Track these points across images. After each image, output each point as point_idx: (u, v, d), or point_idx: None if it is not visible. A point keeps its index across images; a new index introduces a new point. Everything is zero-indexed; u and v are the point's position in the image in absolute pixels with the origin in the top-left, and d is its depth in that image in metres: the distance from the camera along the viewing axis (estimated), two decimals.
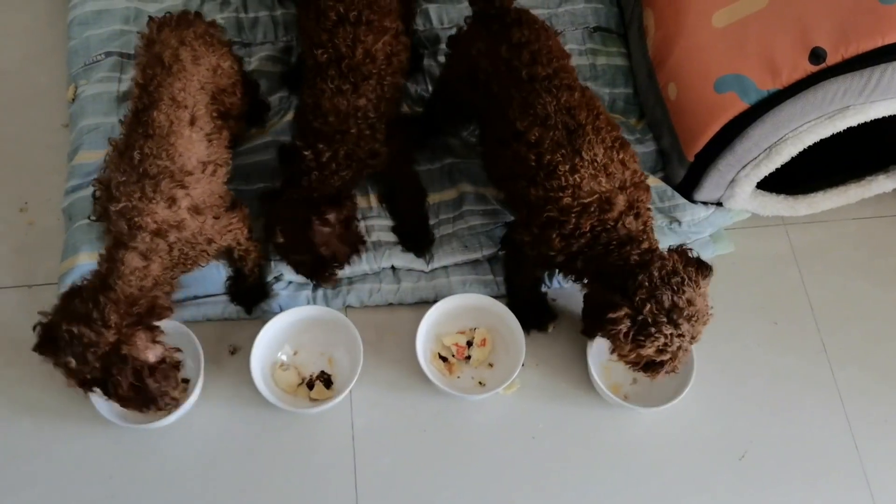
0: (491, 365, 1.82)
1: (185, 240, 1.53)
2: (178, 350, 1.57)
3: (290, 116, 2.03)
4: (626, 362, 1.56)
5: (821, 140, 1.75)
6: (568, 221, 1.52)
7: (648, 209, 1.58)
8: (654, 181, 1.99)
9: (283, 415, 1.72)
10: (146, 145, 1.51)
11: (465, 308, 1.83)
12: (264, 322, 1.75)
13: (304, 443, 1.72)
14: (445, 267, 1.90)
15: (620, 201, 1.53)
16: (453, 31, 2.18)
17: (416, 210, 1.93)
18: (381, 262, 1.88)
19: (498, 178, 1.73)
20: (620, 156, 1.55)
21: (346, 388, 1.70)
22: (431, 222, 1.95)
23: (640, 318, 1.46)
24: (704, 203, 1.97)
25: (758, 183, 1.88)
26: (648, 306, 1.45)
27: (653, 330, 1.46)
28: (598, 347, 1.75)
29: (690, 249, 1.56)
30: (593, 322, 1.55)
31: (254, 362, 1.71)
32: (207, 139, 1.59)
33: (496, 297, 1.84)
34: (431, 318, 1.80)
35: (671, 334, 1.46)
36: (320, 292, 1.86)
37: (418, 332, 1.77)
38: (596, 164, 1.53)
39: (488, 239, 1.92)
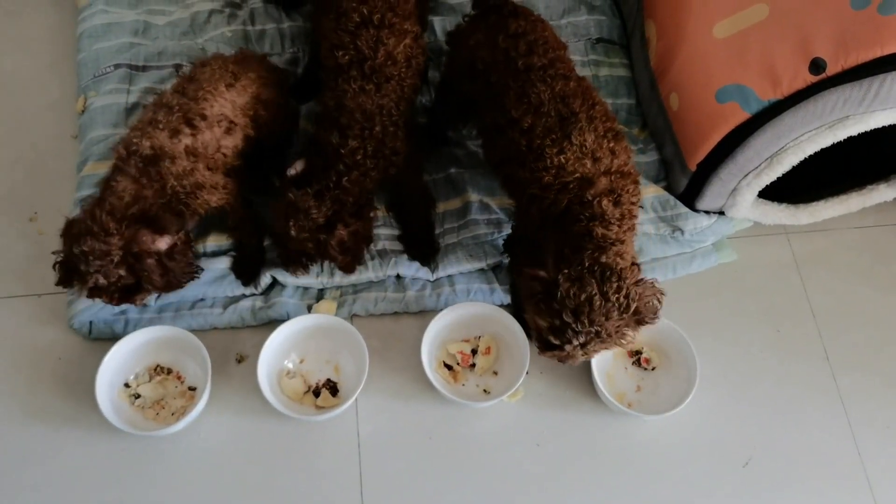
0: (495, 373, 1.83)
1: (175, 175, 1.61)
2: (187, 235, 1.70)
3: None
4: (527, 319, 1.53)
5: (821, 149, 1.77)
6: (547, 197, 1.53)
7: (633, 204, 1.54)
8: (656, 190, 2.01)
9: (290, 422, 1.74)
10: (182, 85, 1.72)
11: (469, 316, 1.85)
12: (271, 330, 1.76)
13: (310, 450, 1.74)
14: (450, 276, 1.92)
15: (602, 182, 1.52)
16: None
17: (423, 219, 1.95)
18: (386, 270, 1.90)
19: (494, 164, 1.75)
20: (611, 144, 1.56)
21: (352, 396, 1.72)
22: (437, 231, 1.97)
23: (552, 289, 1.40)
24: (706, 212, 1.99)
25: (759, 192, 1.90)
26: (567, 286, 1.39)
27: (555, 306, 1.40)
28: (603, 355, 1.76)
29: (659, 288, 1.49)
30: (514, 260, 1.54)
31: (260, 370, 1.72)
32: (237, 106, 1.72)
33: (500, 306, 1.86)
34: (436, 326, 1.81)
35: (568, 325, 1.40)
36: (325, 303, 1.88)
37: (423, 341, 1.78)
38: (584, 148, 1.54)
39: (493, 248, 1.94)
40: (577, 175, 1.53)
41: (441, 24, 2.27)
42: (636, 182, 1.58)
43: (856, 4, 1.67)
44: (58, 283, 1.61)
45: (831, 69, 1.66)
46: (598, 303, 1.38)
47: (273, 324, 1.81)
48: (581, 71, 2.20)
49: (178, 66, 2.12)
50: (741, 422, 1.82)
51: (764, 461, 1.78)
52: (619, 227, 1.49)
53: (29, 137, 2.10)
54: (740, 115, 1.76)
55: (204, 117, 1.66)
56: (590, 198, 1.50)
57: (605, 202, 1.49)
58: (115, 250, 1.53)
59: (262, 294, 1.88)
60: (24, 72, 2.22)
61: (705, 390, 1.78)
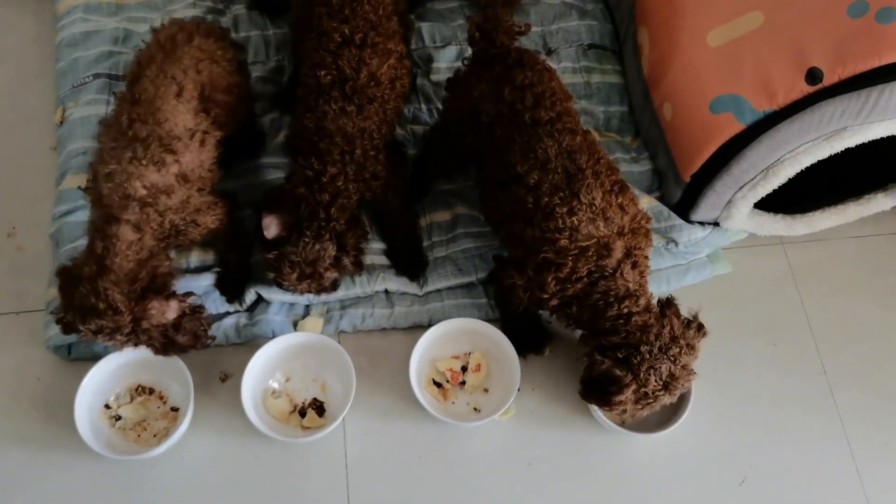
0: (486, 390, 1.79)
1: (174, 208, 1.55)
2: (192, 293, 1.61)
3: (281, 138, 2.00)
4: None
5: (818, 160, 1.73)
6: (565, 264, 1.50)
7: (646, 257, 1.57)
8: (649, 201, 1.97)
9: (276, 443, 1.70)
10: (133, 110, 1.55)
11: (459, 332, 1.81)
12: (256, 348, 1.72)
13: (297, 472, 1.70)
14: (439, 290, 1.88)
15: (618, 248, 1.51)
16: (445, 50, 2.19)
17: (409, 233, 1.90)
18: (374, 285, 1.85)
19: (495, 220, 1.71)
20: (619, 200, 1.54)
21: (339, 416, 1.68)
22: (425, 244, 1.93)
23: (642, 389, 1.50)
24: (701, 223, 1.94)
25: (755, 202, 1.85)
26: (651, 380, 1.49)
27: (651, 401, 1.52)
28: None
29: (678, 301, 1.59)
30: (597, 395, 1.56)
31: (245, 390, 1.68)
32: (195, 112, 1.61)
33: (491, 321, 1.81)
34: (425, 342, 1.77)
35: (665, 398, 1.54)
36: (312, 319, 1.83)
37: (412, 358, 1.74)
38: (594, 207, 1.51)
39: (482, 262, 1.89)
40: (594, 239, 1.51)
41: (430, 31, 2.22)
42: (647, 234, 1.58)
43: (853, 12, 1.63)
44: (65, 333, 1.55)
45: (828, 79, 1.62)
46: (675, 369, 1.51)
47: (258, 341, 1.77)
48: (572, 78, 2.18)
49: None
50: (737, 439, 1.78)
51: (760, 479, 1.74)
52: (644, 290, 1.54)
53: (6, 150, 2.05)
54: (735, 127, 1.72)
55: (178, 137, 1.56)
56: (611, 271, 1.50)
57: (626, 271, 1.51)
58: (125, 325, 1.47)
59: (246, 311, 1.83)
60: (2, 83, 2.16)
61: (700, 407, 1.75)
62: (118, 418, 1.70)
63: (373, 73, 1.67)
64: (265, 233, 1.62)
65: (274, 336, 1.76)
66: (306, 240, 1.58)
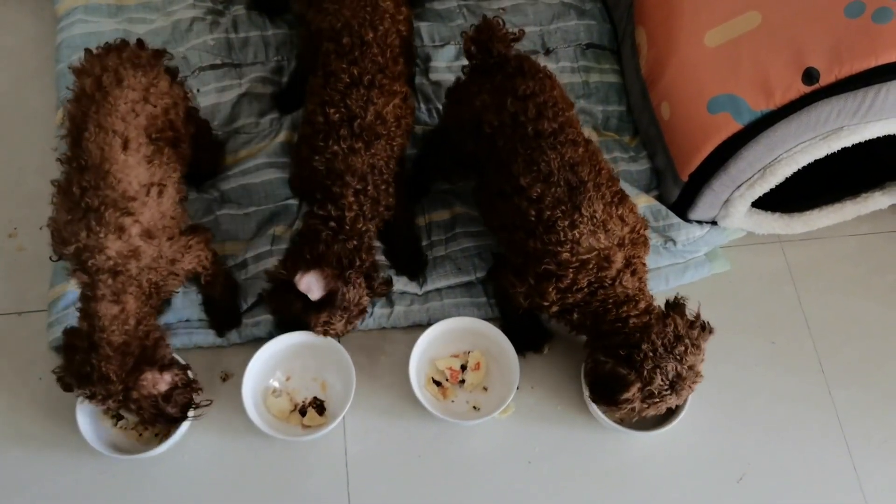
0: (485, 389, 1.80)
1: (147, 267, 1.50)
2: (187, 367, 1.59)
3: (280, 138, 2.01)
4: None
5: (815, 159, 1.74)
6: (566, 276, 1.52)
7: (644, 264, 1.58)
8: (648, 200, 1.98)
9: (276, 442, 1.71)
10: (83, 178, 1.46)
11: (458, 331, 1.82)
12: (256, 348, 1.73)
13: (297, 471, 1.71)
14: (439, 290, 1.88)
15: (618, 259, 1.53)
16: (444, 49, 2.19)
17: (408, 233, 1.91)
18: None
19: (495, 226, 1.72)
20: (619, 211, 1.55)
21: (340, 414, 1.69)
22: (424, 243, 1.94)
23: (647, 388, 1.50)
24: (699, 222, 1.95)
25: (753, 201, 1.86)
26: (656, 379, 1.49)
27: (657, 400, 1.52)
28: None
29: (686, 301, 1.58)
30: (603, 395, 1.58)
31: (245, 389, 1.69)
32: (147, 160, 1.52)
33: (490, 320, 1.82)
34: (425, 341, 1.78)
35: (672, 399, 1.54)
36: None
37: (411, 357, 1.75)
38: (595, 220, 1.52)
39: (482, 261, 1.90)
40: (595, 252, 1.52)
41: (429, 30, 2.23)
42: (645, 242, 1.60)
43: (850, 12, 1.64)
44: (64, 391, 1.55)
45: (825, 79, 1.63)
46: (681, 368, 1.51)
47: (258, 341, 1.77)
48: (571, 77, 2.19)
49: None
50: (735, 437, 1.79)
51: (758, 477, 1.75)
52: (644, 294, 1.56)
53: (6, 150, 2.05)
54: (732, 126, 1.73)
55: (134, 198, 1.47)
56: (610, 281, 1.52)
57: (625, 279, 1.54)
58: (117, 394, 1.47)
59: (247, 311, 1.84)
60: (2, 83, 2.16)
61: (698, 404, 1.75)
62: (120, 417, 1.70)
63: (379, 112, 1.69)
64: (309, 296, 1.60)
65: (273, 336, 1.76)
66: (345, 288, 1.59)
